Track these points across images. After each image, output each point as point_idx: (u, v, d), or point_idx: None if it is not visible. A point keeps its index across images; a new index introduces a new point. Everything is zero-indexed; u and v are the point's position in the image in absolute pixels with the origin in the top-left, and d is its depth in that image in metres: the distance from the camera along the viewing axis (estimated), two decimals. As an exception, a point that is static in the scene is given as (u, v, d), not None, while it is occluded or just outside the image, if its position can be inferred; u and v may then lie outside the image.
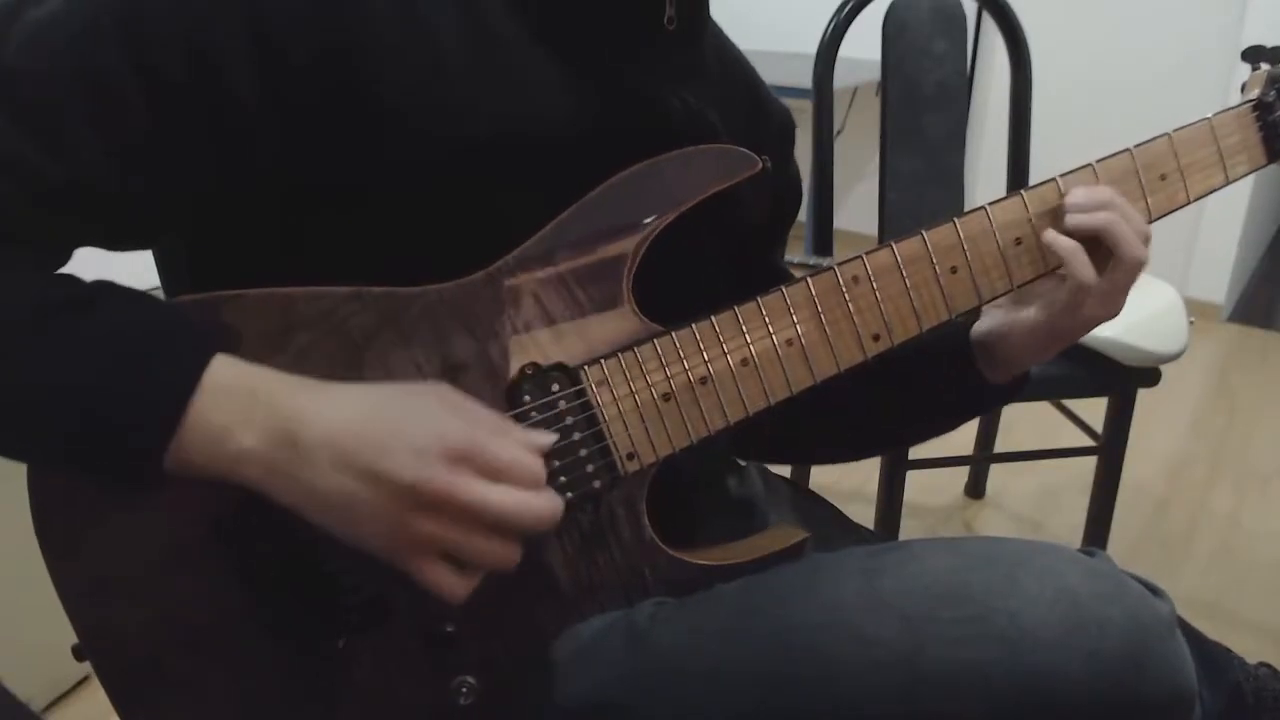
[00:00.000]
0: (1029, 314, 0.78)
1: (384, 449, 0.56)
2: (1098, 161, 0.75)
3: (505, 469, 0.57)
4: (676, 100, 0.72)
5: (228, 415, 0.56)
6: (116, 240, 0.64)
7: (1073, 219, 0.73)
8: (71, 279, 0.59)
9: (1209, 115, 0.78)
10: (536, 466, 0.58)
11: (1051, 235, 0.73)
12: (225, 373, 0.57)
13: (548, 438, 0.61)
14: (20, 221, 0.58)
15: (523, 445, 0.59)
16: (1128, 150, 0.76)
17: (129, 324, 0.58)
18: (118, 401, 0.56)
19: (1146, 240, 0.74)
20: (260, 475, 0.57)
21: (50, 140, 0.56)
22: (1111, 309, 0.75)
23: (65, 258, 0.62)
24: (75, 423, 0.56)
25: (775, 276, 0.89)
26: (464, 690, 0.66)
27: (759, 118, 0.84)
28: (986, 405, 0.87)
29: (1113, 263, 0.73)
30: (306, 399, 0.58)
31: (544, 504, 0.58)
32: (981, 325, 0.82)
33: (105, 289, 0.59)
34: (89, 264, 0.64)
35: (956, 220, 0.73)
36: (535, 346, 0.65)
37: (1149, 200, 0.76)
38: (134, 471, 0.57)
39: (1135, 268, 0.73)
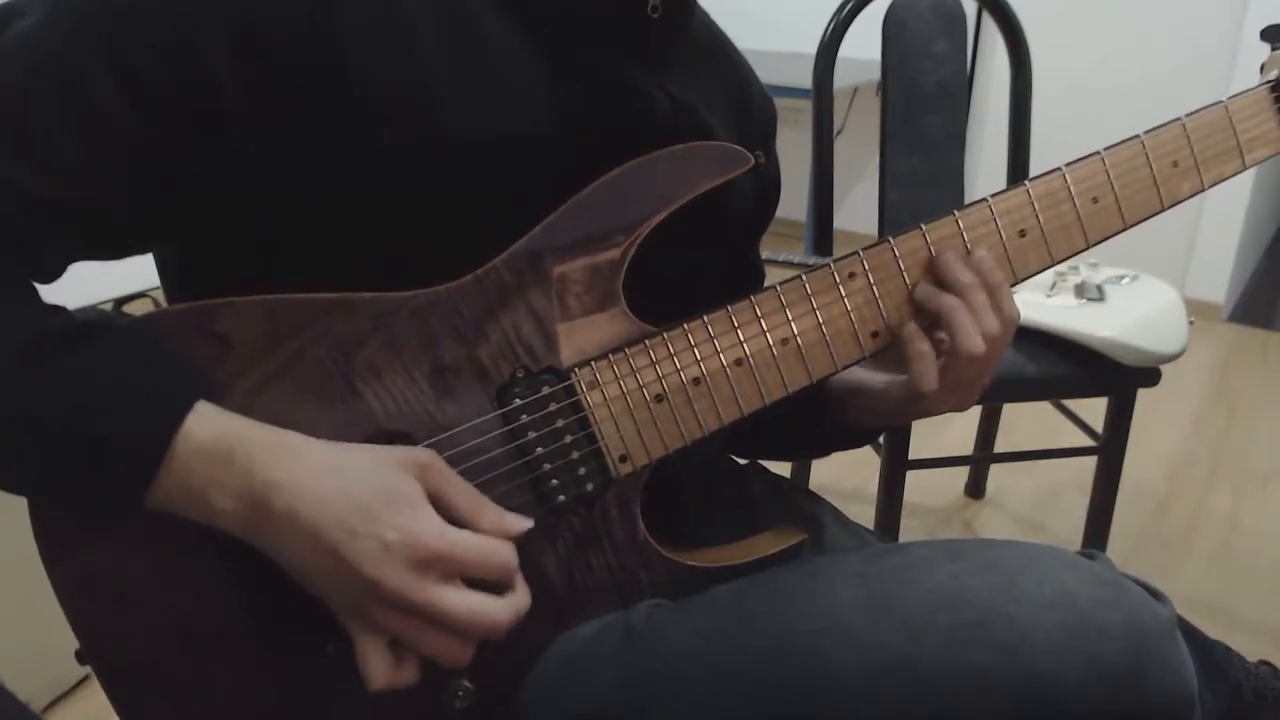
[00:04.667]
0: (878, 381, 0.76)
1: (353, 535, 0.56)
2: (1106, 150, 0.73)
3: (475, 570, 0.58)
4: (661, 93, 0.72)
5: (204, 476, 0.57)
6: (113, 253, 0.64)
7: (921, 291, 0.70)
8: (52, 320, 0.59)
9: (1224, 99, 0.75)
10: (507, 560, 0.59)
11: (908, 327, 0.70)
12: (203, 431, 0.57)
13: (524, 523, 0.61)
14: (13, 240, 0.58)
15: (497, 532, 0.59)
16: (1138, 137, 0.73)
17: (109, 373, 0.57)
18: (93, 458, 0.56)
19: (998, 339, 0.70)
20: (233, 529, 0.58)
21: (41, 157, 0.56)
22: (956, 401, 0.73)
23: (59, 273, 0.62)
24: (49, 473, 0.57)
25: (753, 274, 0.89)
26: (459, 694, 0.66)
27: (744, 108, 0.83)
28: (839, 446, 0.88)
29: (948, 351, 0.70)
30: (284, 466, 0.57)
31: (501, 614, 0.58)
32: (841, 377, 0.79)
33: (88, 330, 0.58)
34: (92, 266, 0.64)
35: (957, 213, 0.71)
36: (526, 349, 0.65)
37: (1160, 189, 0.74)
38: (111, 510, 0.59)
39: (971, 362, 0.69)
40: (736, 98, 0.82)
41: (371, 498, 0.57)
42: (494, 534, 0.59)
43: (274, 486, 0.56)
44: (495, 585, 0.60)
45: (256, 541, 0.58)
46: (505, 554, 0.59)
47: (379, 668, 0.59)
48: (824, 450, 0.92)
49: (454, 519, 0.59)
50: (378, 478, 0.58)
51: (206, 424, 0.57)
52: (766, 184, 0.84)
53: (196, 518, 0.58)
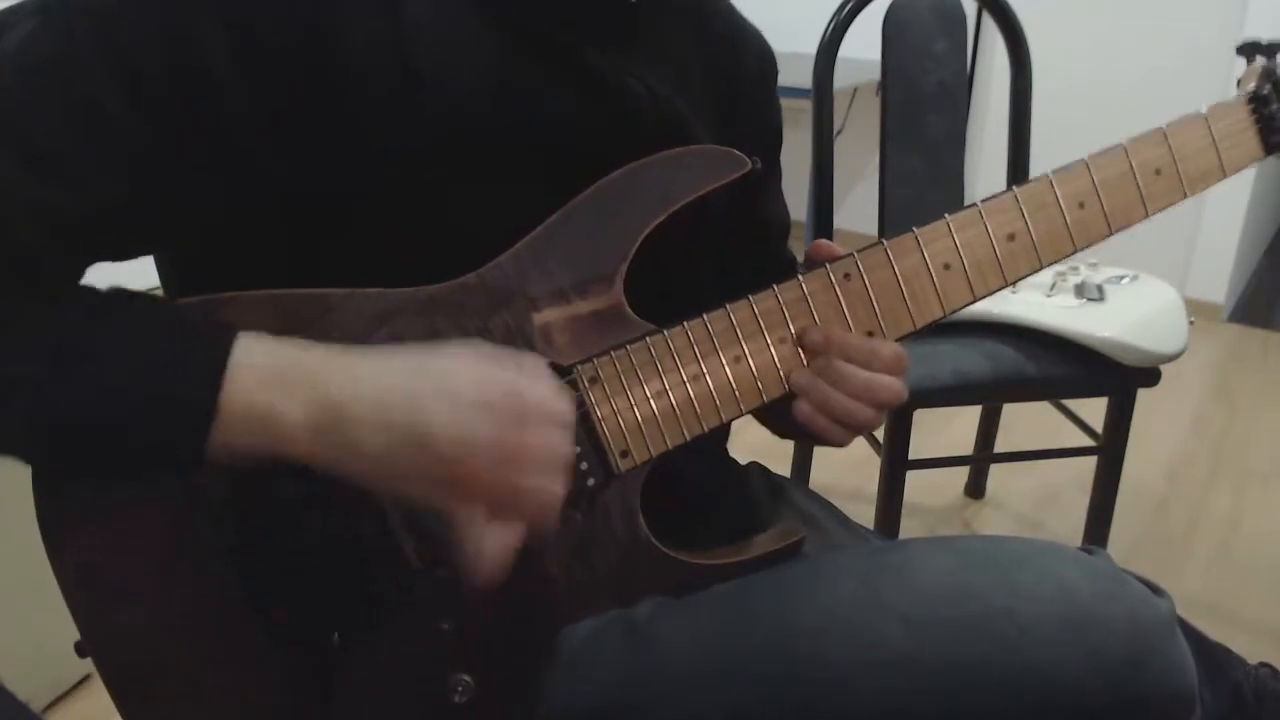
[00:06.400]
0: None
1: (426, 407, 0.56)
2: (1090, 157, 0.75)
3: (543, 411, 0.58)
4: (642, 86, 0.71)
5: (269, 393, 0.56)
6: (126, 255, 0.64)
7: (798, 379, 0.71)
8: (83, 293, 0.59)
9: (1203, 109, 0.78)
10: (569, 410, 0.60)
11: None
12: (257, 350, 0.57)
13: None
14: (31, 249, 0.57)
15: (554, 389, 0.60)
16: (1121, 146, 0.75)
17: (147, 328, 0.58)
18: (151, 406, 0.56)
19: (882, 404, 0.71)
20: (306, 447, 0.57)
21: (51, 170, 0.56)
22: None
23: (80, 274, 0.62)
24: (111, 431, 0.56)
25: (780, 223, 0.89)
26: (459, 688, 0.66)
27: (732, 72, 0.82)
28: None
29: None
30: (346, 365, 0.58)
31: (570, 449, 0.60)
32: None
33: (118, 300, 0.59)
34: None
35: (949, 217, 0.73)
36: (528, 345, 0.65)
37: (1144, 194, 0.76)
38: (176, 466, 0.58)
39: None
40: (724, 63, 0.81)
41: (439, 372, 0.58)
42: None
43: (342, 386, 0.57)
44: None
45: (327, 450, 0.57)
46: (565, 402, 0.60)
47: (489, 546, 0.59)
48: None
49: None
50: (439, 355, 0.59)
51: (257, 347, 0.57)
52: (767, 134, 0.84)
53: (264, 445, 0.57)
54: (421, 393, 0.57)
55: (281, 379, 0.56)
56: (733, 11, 0.84)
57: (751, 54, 0.84)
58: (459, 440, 0.56)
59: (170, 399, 0.56)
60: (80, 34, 0.56)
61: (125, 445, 0.57)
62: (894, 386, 0.70)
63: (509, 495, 0.58)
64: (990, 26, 2.45)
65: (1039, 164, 1.31)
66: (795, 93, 2.21)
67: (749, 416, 0.74)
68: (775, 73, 0.87)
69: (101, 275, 0.63)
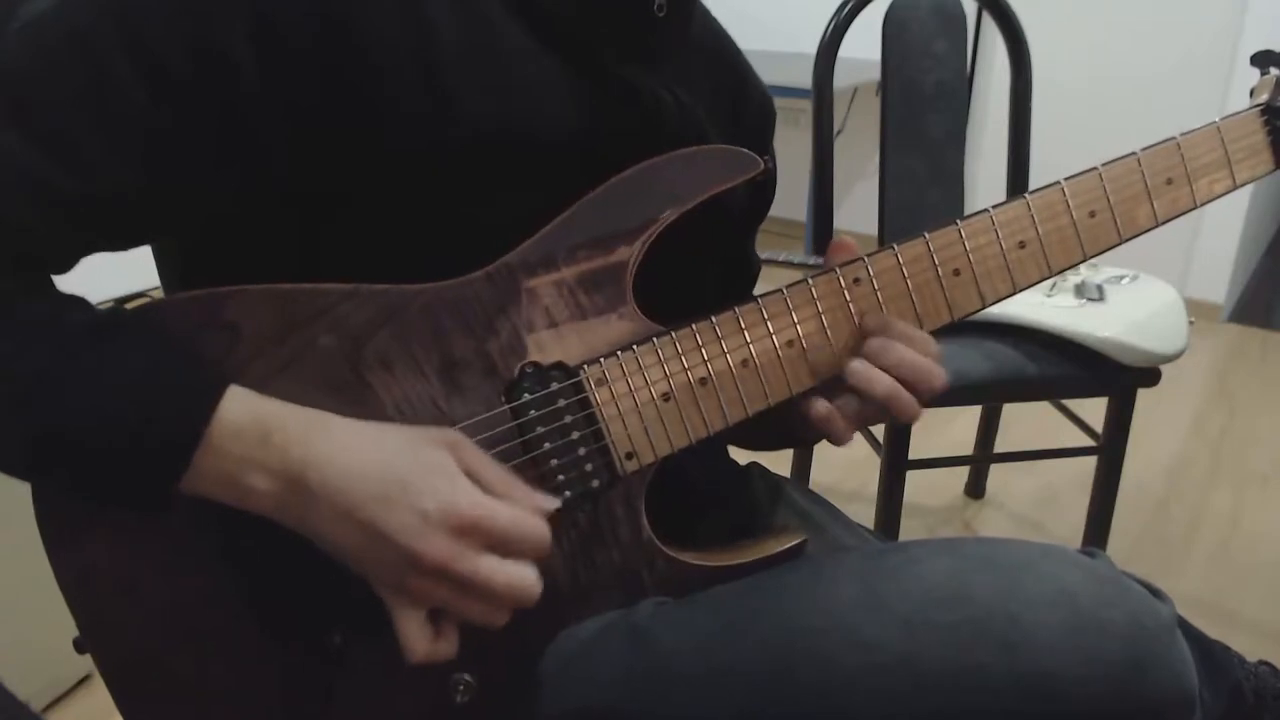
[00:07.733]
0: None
1: (391, 507, 0.56)
2: (1103, 165, 0.74)
3: (513, 541, 0.58)
4: (669, 95, 0.72)
5: (240, 455, 0.57)
6: (125, 244, 0.64)
7: (857, 371, 0.69)
8: (78, 308, 0.59)
9: (1216, 120, 0.78)
10: (543, 533, 0.60)
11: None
12: (239, 410, 0.58)
13: (552, 502, 0.62)
14: (34, 232, 0.57)
15: (529, 511, 0.60)
16: (1134, 154, 0.75)
17: (139, 363, 0.58)
18: (130, 447, 0.56)
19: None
20: (268, 511, 0.58)
21: (59, 149, 0.56)
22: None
23: (71, 265, 0.62)
24: (86, 461, 0.57)
25: (749, 268, 0.89)
26: (461, 687, 0.66)
27: (740, 108, 0.83)
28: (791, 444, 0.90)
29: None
30: (320, 443, 0.58)
31: (537, 584, 0.59)
32: None
33: (113, 322, 0.59)
34: (89, 265, 0.64)
35: (959, 222, 0.72)
36: (535, 345, 0.65)
37: (1154, 204, 0.76)
38: (144, 504, 0.59)
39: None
40: (733, 97, 0.82)
41: (408, 470, 0.57)
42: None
43: (311, 463, 0.57)
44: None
45: (291, 520, 0.58)
46: (541, 527, 0.60)
47: (419, 640, 0.59)
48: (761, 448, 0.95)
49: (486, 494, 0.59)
50: (413, 451, 0.58)
51: (241, 406, 0.58)
52: (763, 181, 0.85)
53: (230, 501, 0.58)
54: (388, 497, 0.57)
55: (257, 444, 0.57)
56: (744, 58, 0.86)
57: (756, 93, 0.86)
58: (414, 556, 0.56)
59: (146, 448, 0.57)
60: (99, 11, 0.56)
61: (96, 468, 0.57)
62: (937, 370, 0.70)
63: (454, 612, 0.60)
64: (990, 26, 2.45)
65: (1039, 164, 1.32)
66: (795, 93, 2.22)
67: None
68: (773, 124, 0.88)
69: (102, 271, 0.63)
